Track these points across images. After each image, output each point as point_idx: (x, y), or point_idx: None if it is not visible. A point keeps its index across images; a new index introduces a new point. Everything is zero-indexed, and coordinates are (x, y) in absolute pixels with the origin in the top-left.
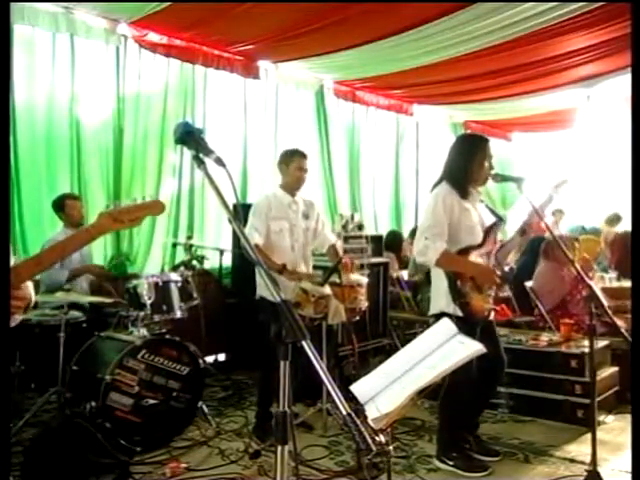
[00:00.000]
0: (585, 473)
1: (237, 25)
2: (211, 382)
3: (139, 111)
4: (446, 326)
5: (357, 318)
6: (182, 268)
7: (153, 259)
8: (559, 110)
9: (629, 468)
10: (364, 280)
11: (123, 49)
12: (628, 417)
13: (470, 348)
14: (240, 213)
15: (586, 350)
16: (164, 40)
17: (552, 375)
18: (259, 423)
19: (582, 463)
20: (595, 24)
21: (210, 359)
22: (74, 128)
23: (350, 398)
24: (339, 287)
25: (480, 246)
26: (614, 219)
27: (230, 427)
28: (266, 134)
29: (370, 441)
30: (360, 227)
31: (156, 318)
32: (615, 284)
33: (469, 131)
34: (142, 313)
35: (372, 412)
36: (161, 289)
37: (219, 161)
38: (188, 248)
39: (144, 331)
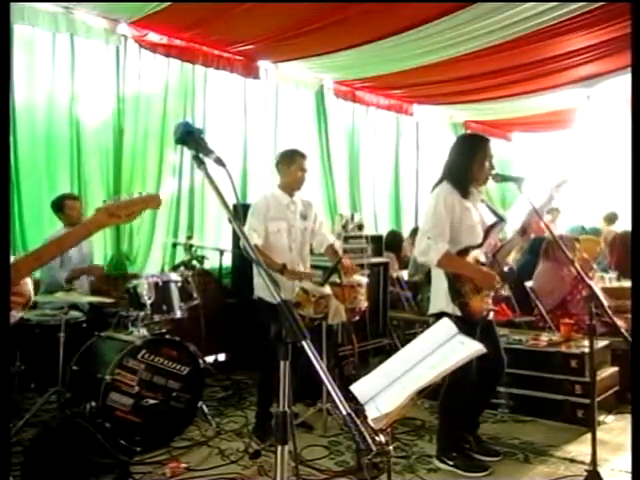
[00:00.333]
0: (585, 473)
1: (237, 25)
2: (211, 382)
3: (139, 111)
4: (446, 326)
5: (357, 318)
6: (182, 268)
7: (153, 259)
8: (559, 110)
9: (629, 468)
10: (364, 280)
11: (123, 49)
12: (628, 417)
13: (470, 348)
14: (240, 213)
15: (586, 350)
16: (164, 40)
17: (552, 375)
18: (259, 423)
19: (582, 463)
20: (595, 24)
21: (210, 359)
22: (74, 128)
23: (350, 398)
24: (339, 287)
25: (480, 246)
26: (612, 218)
27: (230, 427)
28: (266, 134)
29: (370, 441)
30: (360, 227)
31: (156, 318)
32: (615, 284)
33: (469, 131)
34: (142, 313)
35: (372, 412)
36: (161, 289)
37: (219, 161)
38: (188, 248)
39: (144, 331)
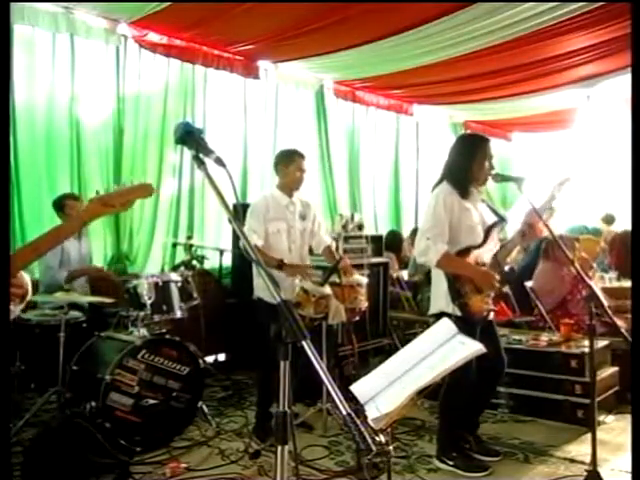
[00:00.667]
0: (585, 473)
1: (237, 25)
2: (211, 382)
3: (139, 111)
4: (446, 326)
5: (357, 318)
6: (182, 268)
7: (153, 259)
8: (559, 110)
9: (629, 468)
10: (364, 280)
11: (123, 49)
12: (628, 417)
13: (470, 348)
14: (240, 213)
15: (586, 350)
16: (164, 40)
17: (552, 375)
18: (259, 423)
19: (582, 463)
20: (595, 24)
21: (210, 359)
22: (74, 128)
23: (350, 398)
24: (339, 287)
25: (480, 246)
26: (609, 219)
27: (230, 427)
28: (266, 134)
29: (370, 441)
30: (360, 227)
31: (156, 318)
32: (615, 284)
33: (469, 131)
34: (142, 313)
35: (372, 412)
36: (161, 289)
37: (219, 161)
38: (188, 248)
39: (144, 331)
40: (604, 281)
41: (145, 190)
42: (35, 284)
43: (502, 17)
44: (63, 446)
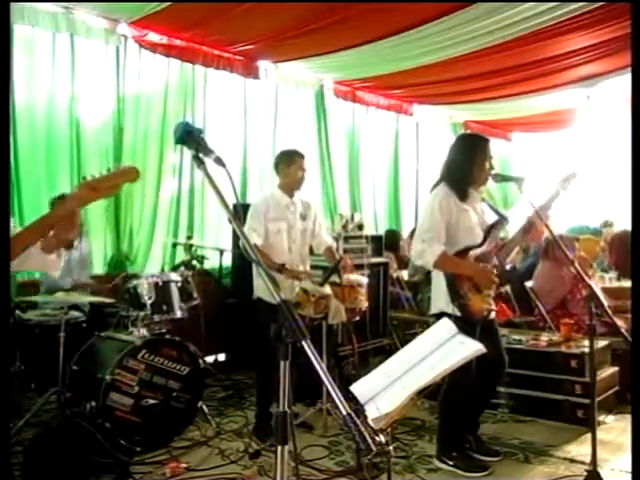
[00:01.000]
0: (585, 473)
1: (237, 25)
2: (211, 382)
3: (139, 111)
4: (446, 326)
5: (357, 318)
6: (182, 268)
7: (153, 259)
8: (559, 110)
9: (629, 468)
10: (364, 280)
11: (123, 49)
12: (628, 417)
13: (470, 348)
14: (240, 213)
15: (586, 350)
16: (164, 40)
17: (552, 375)
18: (259, 423)
19: (582, 463)
20: (595, 24)
21: (210, 359)
22: (74, 128)
23: (350, 398)
24: (339, 287)
25: (480, 246)
26: (608, 224)
27: (230, 427)
28: (266, 134)
29: (370, 441)
30: (360, 227)
31: (156, 318)
32: (615, 284)
33: (469, 131)
34: (142, 313)
35: (372, 412)
36: (161, 289)
37: (219, 161)
38: (188, 248)
39: (144, 331)
40: (604, 281)
41: (130, 173)
42: (35, 284)
43: (502, 17)
44: (63, 446)
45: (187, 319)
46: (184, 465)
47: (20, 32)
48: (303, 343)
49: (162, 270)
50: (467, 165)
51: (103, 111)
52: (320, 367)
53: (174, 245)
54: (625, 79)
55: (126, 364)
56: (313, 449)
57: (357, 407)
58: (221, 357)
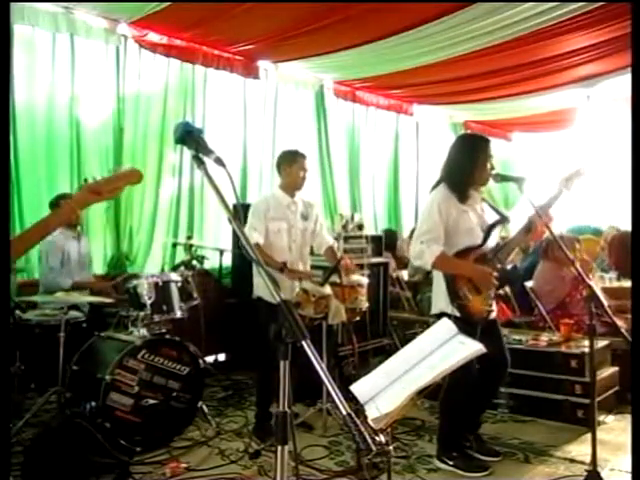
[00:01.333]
0: (585, 473)
1: (237, 25)
2: (211, 382)
3: (139, 111)
4: (446, 326)
5: (357, 318)
6: (182, 268)
7: (153, 259)
8: (559, 110)
9: (629, 468)
10: (364, 280)
11: (123, 49)
12: (628, 417)
13: (470, 348)
14: (240, 213)
15: (586, 350)
16: (164, 40)
17: (552, 375)
18: (259, 423)
19: (582, 463)
20: (595, 24)
21: (210, 359)
22: (74, 128)
23: (350, 398)
24: (339, 287)
25: (480, 246)
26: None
27: (230, 427)
28: (266, 134)
29: (370, 441)
30: (360, 227)
31: (156, 318)
32: (615, 284)
33: (469, 131)
34: (142, 313)
35: (372, 412)
36: (161, 289)
37: (219, 161)
38: (188, 248)
39: (144, 331)
40: (604, 281)
41: (133, 176)
42: (35, 285)
43: (502, 17)
44: (63, 446)
45: (187, 319)
46: (184, 465)
47: (20, 32)
48: (303, 343)
49: (162, 270)
50: (468, 165)
51: (103, 111)
52: (320, 367)
53: (174, 245)
54: (625, 79)
55: (126, 364)
56: (313, 449)
57: (357, 407)
58: (221, 357)
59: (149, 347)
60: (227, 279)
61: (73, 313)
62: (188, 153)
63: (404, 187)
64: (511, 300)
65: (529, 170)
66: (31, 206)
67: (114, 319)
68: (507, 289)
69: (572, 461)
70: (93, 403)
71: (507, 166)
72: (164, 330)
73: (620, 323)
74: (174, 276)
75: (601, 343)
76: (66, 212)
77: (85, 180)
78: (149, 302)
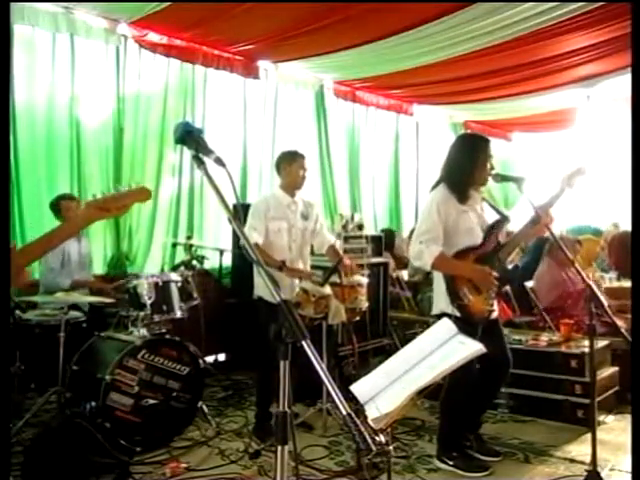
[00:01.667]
0: (585, 473)
1: (237, 25)
2: (211, 382)
3: (139, 111)
4: (446, 326)
5: (357, 318)
6: (182, 268)
7: (153, 259)
8: (559, 110)
9: (629, 468)
10: (364, 280)
11: (123, 49)
12: (628, 417)
13: (470, 348)
14: (240, 213)
15: (586, 350)
16: (164, 40)
17: (552, 375)
18: (259, 423)
19: (582, 463)
20: (595, 24)
21: (210, 359)
22: (74, 128)
23: (350, 398)
24: (339, 287)
25: (481, 246)
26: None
27: (230, 427)
28: (266, 134)
29: (370, 441)
30: (360, 227)
31: (156, 318)
32: (615, 284)
33: (469, 131)
34: (142, 313)
35: (372, 412)
36: (161, 289)
37: (219, 161)
38: (188, 248)
39: (144, 331)
40: (604, 281)
41: (142, 194)
42: (35, 285)
43: (502, 17)
44: (63, 446)
45: (187, 319)
46: (184, 465)
47: (20, 32)
48: (303, 343)
49: (162, 270)
50: (467, 165)
51: (103, 111)
52: (320, 367)
53: (174, 245)
54: (625, 79)
55: (126, 364)
56: (313, 449)
57: (357, 407)
58: (221, 357)
59: (149, 347)
60: (227, 279)
61: (73, 313)
62: (188, 153)
63: (404, 187)
64: (511, 300)
65: (529, 170)
66: (31, 206)
67: (114, 319)
68: (507, 288)
69: (572, 461)
70: (93, 403)
71: (507, 166)
72: (164, 330)
73: (620, 323)
74: (174, 276)
75: (601, 343)
76: (71, 228)
77: (93, 196)
78: (149, 302)
